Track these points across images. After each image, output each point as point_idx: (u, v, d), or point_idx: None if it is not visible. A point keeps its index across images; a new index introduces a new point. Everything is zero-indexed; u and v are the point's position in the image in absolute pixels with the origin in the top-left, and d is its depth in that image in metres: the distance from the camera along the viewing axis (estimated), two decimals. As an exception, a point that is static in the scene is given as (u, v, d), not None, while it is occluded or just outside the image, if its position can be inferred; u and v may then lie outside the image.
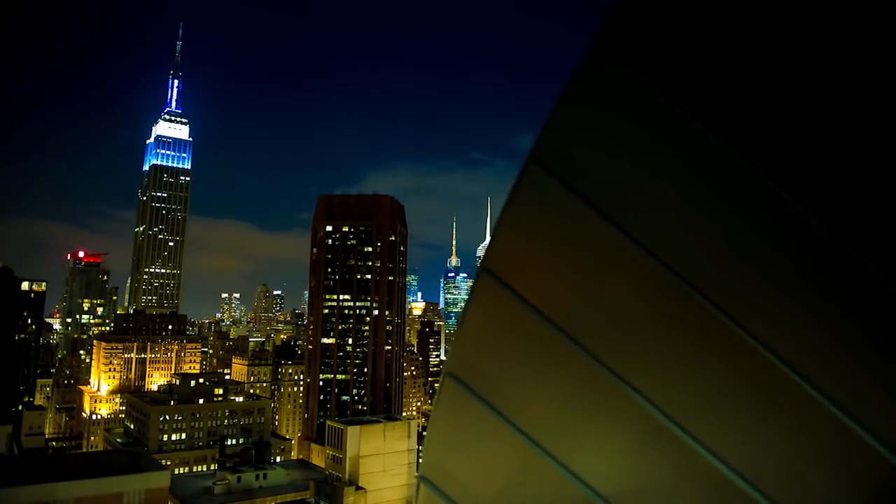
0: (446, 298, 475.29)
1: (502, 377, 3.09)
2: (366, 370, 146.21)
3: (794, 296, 2.60)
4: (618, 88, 2.54)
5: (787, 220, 2.47)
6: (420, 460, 3.56)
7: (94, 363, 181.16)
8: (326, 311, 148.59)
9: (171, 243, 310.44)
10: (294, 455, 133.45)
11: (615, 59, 2.50)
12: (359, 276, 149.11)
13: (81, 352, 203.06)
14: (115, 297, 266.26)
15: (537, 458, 3.09)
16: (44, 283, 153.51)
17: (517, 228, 2.82)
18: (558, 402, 3.08)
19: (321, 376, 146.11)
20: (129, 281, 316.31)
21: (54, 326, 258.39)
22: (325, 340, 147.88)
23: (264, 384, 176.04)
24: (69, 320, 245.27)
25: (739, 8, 2.41)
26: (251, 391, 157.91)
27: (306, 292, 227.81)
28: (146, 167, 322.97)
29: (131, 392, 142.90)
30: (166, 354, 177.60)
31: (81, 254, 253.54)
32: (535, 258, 2.87)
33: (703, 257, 2.64)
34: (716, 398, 2.82)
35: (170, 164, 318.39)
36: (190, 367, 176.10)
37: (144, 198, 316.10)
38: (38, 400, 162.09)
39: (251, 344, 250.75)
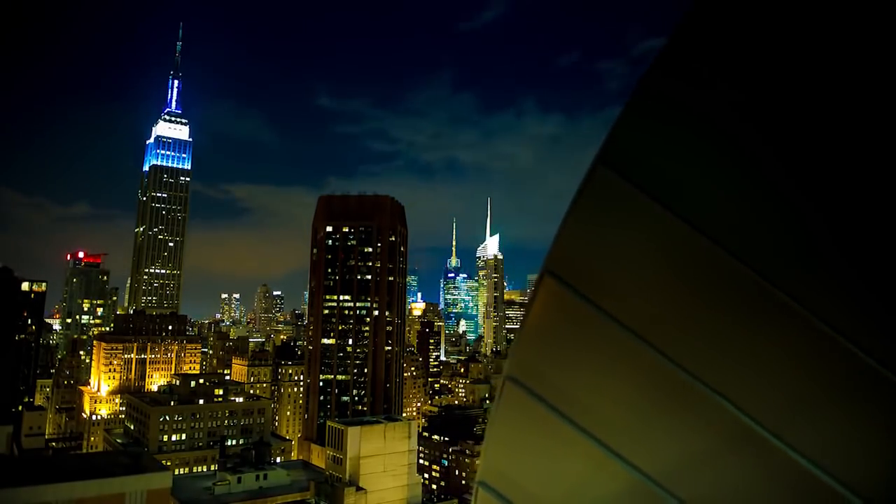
0: (446, 299, 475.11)
1: (568, 380, 3.06)
2: (366, 371, 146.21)
3: None
4: (688, 90, 2.53)
5: None
6: (479, 465, 3.51)
7: (93, 363, 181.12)
8: (326, 311, 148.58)
9: (170, 244, 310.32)
10: (294, 456, 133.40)
11: (686, 62, 2.49)
12: (359, 277, 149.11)
13: (81, 352, 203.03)
14: (114, 298, 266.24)
15: (608, 460, 3.03)
16: (44, 284, 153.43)
17: (584, 230, 2.80)
18: (629, 404, 3.02)
19: (321, 377, 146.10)
20: (128, 281, 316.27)
21: (54, 327, 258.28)
22: (326, 341, 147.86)
23: (264, 385, 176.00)
24: (69, 320, 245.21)
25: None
26: (251, 392, 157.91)
27: (306, 293, 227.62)
28: (146, 167, 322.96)
29: (131, 392, 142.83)
30: (166, 355, 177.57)
31: (81, 254, 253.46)
32: (602, 259, 2.83)
33: (785, 256, 2.59)
34: (809, 399, 2.74)
35: (170, 164, 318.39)
36: (190, 368, 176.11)
37: (144, 198, 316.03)
38: (38, 400, 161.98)
39: (251, 344, 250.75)
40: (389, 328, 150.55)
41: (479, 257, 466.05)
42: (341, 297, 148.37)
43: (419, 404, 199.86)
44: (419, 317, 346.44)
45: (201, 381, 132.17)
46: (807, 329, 2.62)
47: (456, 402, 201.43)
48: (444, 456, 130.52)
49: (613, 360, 2.94)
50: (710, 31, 2.48)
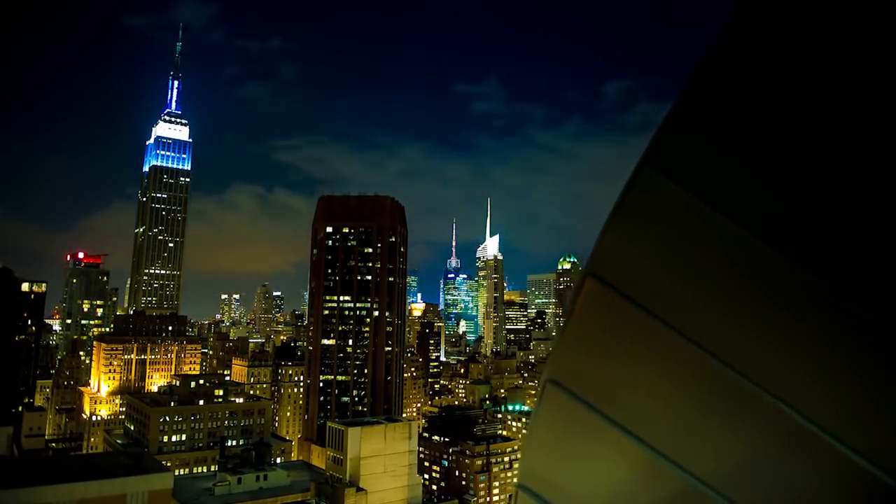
0: (446, 299, 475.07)
1: (613, 382, 3.02)
2: (366, 371, 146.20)
3: None
4: (735, 92, 2.52)
5: None
6: (519, 469, 3.52)
7: (93, 364, 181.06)
8: (326, 312, 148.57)
9: (170, 244, 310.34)
10: (294, 456, 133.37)
11: (733, 63, 2.48)
12: (359, 277, 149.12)
13: (81, 353, 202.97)
14: (114, 298, 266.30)
15: (657, 463, 2.99)
16: (44, 284, 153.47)
17: (629, 232, 2.78)
18: (678, 405, 2.96)
19: (321, 377, 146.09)
20: (128, 282, 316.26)
21: (54, 327, 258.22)
22: (326, 341, 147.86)
23: (264, 385, 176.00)
24: (69, 321, 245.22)
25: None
26: (251, 392, 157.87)
27: (306, 293, 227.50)
28: (146, 168, 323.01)
29: (131, 393, 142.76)
30: (166, 355, 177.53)
31: (81, 255, 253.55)
32: (648, 261, 2.80)
33: (838, 258, 2.54)
34: (869, 401, 2.68)
35: (169, 164, 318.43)
36: (190, 369, 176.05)
37: (144, 199, 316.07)
38: (38, 401, 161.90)
39: (251, 345, 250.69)
40: (389, 329, 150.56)
41: (479, 258, 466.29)
42: (341, 298, 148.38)
43: (419, 405, 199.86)
44: (419, 317, 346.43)
45: (201, 381, 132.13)
46: (862, 329, 2.56)
47: (456, 402, 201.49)
48: (445, 456, 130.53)
49: (661, 361, 2.90)
50: (754, 36, 2.45)
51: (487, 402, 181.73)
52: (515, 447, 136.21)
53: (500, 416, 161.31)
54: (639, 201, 2.71)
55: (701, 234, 2.69)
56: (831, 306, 2.59)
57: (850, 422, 2.72)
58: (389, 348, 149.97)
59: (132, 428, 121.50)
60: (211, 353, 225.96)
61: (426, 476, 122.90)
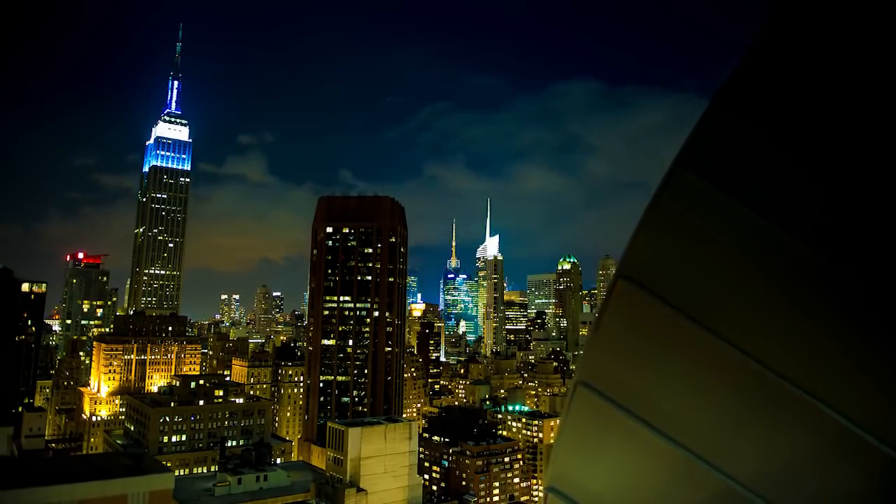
0: (446, 300, 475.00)
1: (647, 384, 2.98)
2: (366, 371, 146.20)
3: None
4: (773, 93, 2.52)
5: None
6: (547, 471, 3.52)
7: (93, 364, 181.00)
8: (327, 312, 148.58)
9: (170, 244, 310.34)
10: (294, 457, 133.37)
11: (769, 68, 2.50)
12: (359, 278, 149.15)
13: (81, 353, 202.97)
14: (114, 299, 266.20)
15: (694, 466, 2.94)
16: (44, 285, 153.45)
17: (663, 233, 2.78)
18: (716, 407, 2.93)
19: (321, 378, 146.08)
20: (128, 282, 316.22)
21: (54, 328, 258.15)
22: (326, 342, 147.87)
23: (264, 385, 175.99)
24: (69, 321, 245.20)
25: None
26: (251, 392, 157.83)
27: (306, 294, 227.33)
28: (146, 168, 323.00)
29: (131, 393, 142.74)
30: (166, 356, 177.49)
31: (81, 255, 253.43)
32: (683, 262, 2.79)
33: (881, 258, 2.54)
34: None
35: (169, 165, 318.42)
36: (190, 369, 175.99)
37: (144, 199, 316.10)
38: (38, 401, 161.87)
39: (251, 345, 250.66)
40: (389, 329, 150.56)
41: (479, 258, 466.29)
42: (341, 298, 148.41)
43: (419, 405, 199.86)
44: (419, 317, 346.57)
45: (201, 382, 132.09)
46: None
47: (456, 402, 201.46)
48: (445, 457, 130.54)
49: (697, 362, 2.87)
50: (791, 28, 2.46)
51: (487, 402, 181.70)
52: (515, 448, 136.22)
53: (500, 416, 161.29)
54: (673, 202, 2.71)
55: (736, 233, 2.69)
56: (871, 306, 2.56)
57: (891, 423, 2.67)
58: (389, 348, 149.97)
59: (132, 428, 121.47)
60: (211, 353, 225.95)
61: (426, 476, 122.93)
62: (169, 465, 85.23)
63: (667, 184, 2.70)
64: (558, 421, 3.65)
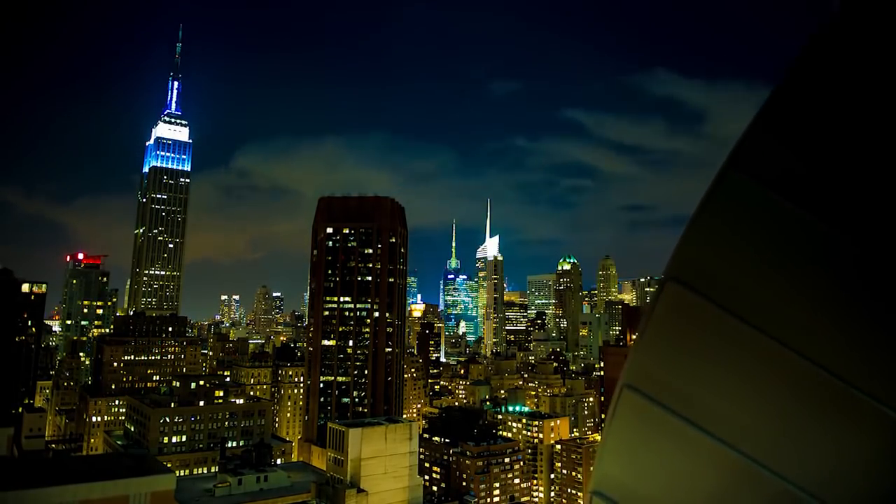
0: (446, 300, 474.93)
1: (698, 386, 2.95)
2: (366, 372, 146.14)
3: None
4: (832, 94, 2.51)
5: None
6: (593, 475, 3.50)
7: (93, 365, 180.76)
8: (327, 312, 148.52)
9: (170, 245, 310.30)
10: (294, 457, 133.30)
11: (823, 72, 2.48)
12: (359, 278, 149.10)
13: (81, 354, 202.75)
14: (114, 299, 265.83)
15: (750, 470, 2.91)
16: (44, 285, 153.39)
17: (714, 235, 2.77)
18: (771, 410, 2.90)
19: (321, 378, 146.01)
20: (128, 282, 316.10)
21: (54, 328, 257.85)
22: (326, 342, 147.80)
23: (264, 386, 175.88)
24: (69, 322, 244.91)
25: None
26: (251, 393, 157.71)
27: (306, 294, 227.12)
28: (146, 169, 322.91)
29: (131, 394, 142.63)
30: (166, 356, 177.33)
31: (81, 255, 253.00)
32: (735, 264, 2.78)
33: None
34: None
35: (169, 165, 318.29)
36: (190, 370, 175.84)
37: (144, 199, 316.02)
38: (38, 402, 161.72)
39: (251, 346, 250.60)
40: (390, 329, 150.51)
41: (479, 258, 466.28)
42: (341, 299, 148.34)
43: (419, 405, 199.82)
44: (419, 318, 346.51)
45: (201, 382, 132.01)
46: None
47: (456, 403, 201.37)
48: (445, 457, 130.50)
49: (752, 365, 2.86)
50: (857, 24, 2.43)
51: (487, 402, 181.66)
52: (516, 448, 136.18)
53: (500, 416, 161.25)
54: (724, 204, 2.70)
55: (789, 234, 2.68)
56: None
57: None
58: (390, 349, 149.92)
59: (132, 429, 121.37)
60: (211, 353, 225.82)
61: (426, 477, 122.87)
62: (169, 465, 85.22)
63: (718, 186, 2.68)
64: (602, 425, 3.61)
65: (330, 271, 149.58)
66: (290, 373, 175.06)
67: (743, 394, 2.94)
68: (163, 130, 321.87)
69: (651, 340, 3.02)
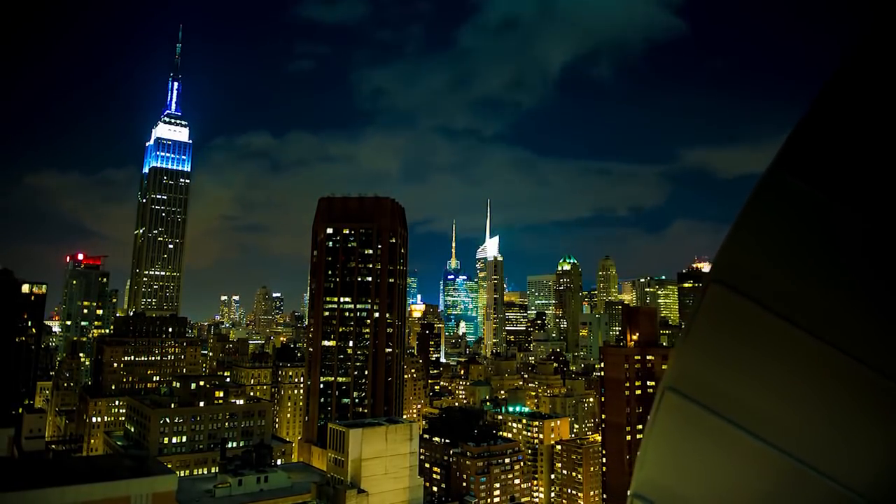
0: (446, 301, 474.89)
1: (744, 389, 2.94)
2: (366, 372, 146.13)
3: None
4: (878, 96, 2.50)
5: None
6: (633, 478, 3.50)
7: (93, 366, 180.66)
8: (327, 313, 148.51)
9: (170, 245, 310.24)
10: (295, 458, 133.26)
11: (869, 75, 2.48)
12: (359, 279, 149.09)
13: (81, 354, 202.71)
14: (114, 300, 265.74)
15: (801, 473, 2.90)
16: (44, 286, 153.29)
17: (760, 236, 2.76)
18: (821, 412, 2.87)
19: (322, 379, 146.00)
20: (128, 283, 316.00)
21: (53, 329, 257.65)
22: (326, 343, 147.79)
23: (264, 387, 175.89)
24: (69, 323, 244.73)
25: None
26: (251, 394, 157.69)
27: (306, 295, 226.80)
28: (146, 169, 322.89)
29: (131, 395, 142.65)
30: (166, 357, 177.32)
31: (81, 256, 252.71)
32: (783, 265, 2.77)
33: None
34: None
35: (169, 166, 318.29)
36: (190, 370, 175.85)
37: (144, 200, 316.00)
38: (38, 403, 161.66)
39: (251, 346, 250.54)
40: (390, 330, 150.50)
41: (479, 259, 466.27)
42: (342, 299, 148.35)
43: (419, 406, 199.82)
44: (419, 318, 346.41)
45: (201, 383, 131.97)
46: None
47: (456, 403, 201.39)
48: (445, 458, 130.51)
49: (798, 367, 2.83)
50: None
51: (488, 403, 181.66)
52: (516, 449, 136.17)
53: (500, 417, 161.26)
54: (771, 205, 2.68)
55: (838, 235, 2.66)
56: None
57: None
58: (390, 350, 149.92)
59: (132, 430, 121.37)
60: (211, 354, 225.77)
61: (427, 478, 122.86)
62: (169, 466, 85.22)
63: (764, 186, 2.66)
64: (644, 427, 3.64)
65: (330, 272, 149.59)
66: (291, 373, 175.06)
67: (789, 395, 2.91)
68: (163, 131, 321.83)
69: (694, 343, 3.00)
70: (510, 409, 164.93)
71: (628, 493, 3.51)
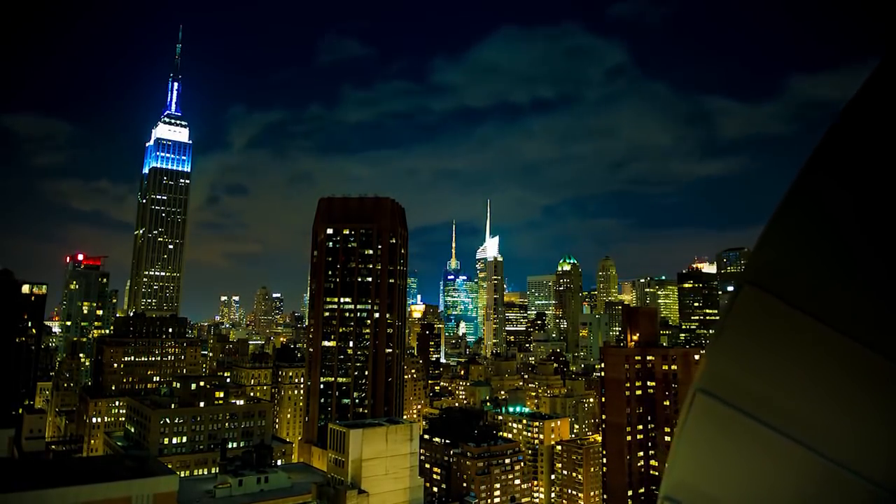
0: (446, 301, 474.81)
1: (778, 390, 2.92)
2: (366, 373, 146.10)
3: None
4: None
5: None
6: (664, 481, 3.49)
7: (93, 366, 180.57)
8: (327, 313, 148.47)
9: (170, 246, 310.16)
10: (295, 458, 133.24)
11: None
12: (359, 279, 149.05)
13: (81, 355, 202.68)
14: (114, 300, 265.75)
15: (836, 474, 2.88)
16: (44, 286, 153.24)
17: (794, 237, 2.75)
18: (861, 415, 2.85)
19: (322, 379, 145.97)
20: (128, 283, 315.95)
21: (53, 329, 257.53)
22: (326, 343, 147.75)
23: (264, 387, 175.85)
24: (69, 323, 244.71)
25: None
26: (251, 394, 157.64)
27: (306, 295, 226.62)
28: (146, 170, 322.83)
29: (131, 395, 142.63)
30: (166, 357, 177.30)
31: (81, 256, 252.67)
32: (816, 265, 2.75)
33: None
34: None
35: (169, 166, 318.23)
36: (190, 370, 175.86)
37: (144, 200, 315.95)
38: (38, 403, 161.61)
39: (251, 347, 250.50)
40: (390, 330, 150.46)
41: (479, 259, 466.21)
42: (342, 300, 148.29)
43: (420, 406, 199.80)
44: (419, 319, 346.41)
45: (202, 383, 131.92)
46: None
47: (456, 404, 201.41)
48: (445, 458, 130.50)
49: (835, 368, 2.82)
50: None
51: (488, 403, 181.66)
52: (516, 449, 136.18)
53: (500, 417, 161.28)
54: (804, 207, 2.66)
55: (873, 236, 2.63)
56: None
57: None
58: (390, 350, 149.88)
59: (132, 430, 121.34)
60: (211, 354, 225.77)
61: (427, 478, 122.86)
62: (170, 466, 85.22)
63: (797, 189, 2.64)
64: (674, 429, 3.62)
65: (330, 272, 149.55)
66: (291, 374, 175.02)
67: (826, 396, 2.88)
68: (163, 131, 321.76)
69: (727, 344, 2.98)
70: (510, 409, 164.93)
71: (659, 496, 3.49)
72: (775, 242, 2.77)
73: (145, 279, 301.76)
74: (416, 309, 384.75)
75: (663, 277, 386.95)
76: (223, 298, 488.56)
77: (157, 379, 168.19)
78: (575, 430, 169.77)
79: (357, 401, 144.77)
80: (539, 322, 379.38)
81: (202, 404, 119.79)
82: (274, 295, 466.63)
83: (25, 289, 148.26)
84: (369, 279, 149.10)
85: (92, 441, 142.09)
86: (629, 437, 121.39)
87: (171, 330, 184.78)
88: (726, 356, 3.03)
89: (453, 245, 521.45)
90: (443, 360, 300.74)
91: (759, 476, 3.19)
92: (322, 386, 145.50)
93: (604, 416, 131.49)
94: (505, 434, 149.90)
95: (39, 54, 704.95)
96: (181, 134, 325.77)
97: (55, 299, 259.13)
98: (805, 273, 2.77)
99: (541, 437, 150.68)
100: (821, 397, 2.92)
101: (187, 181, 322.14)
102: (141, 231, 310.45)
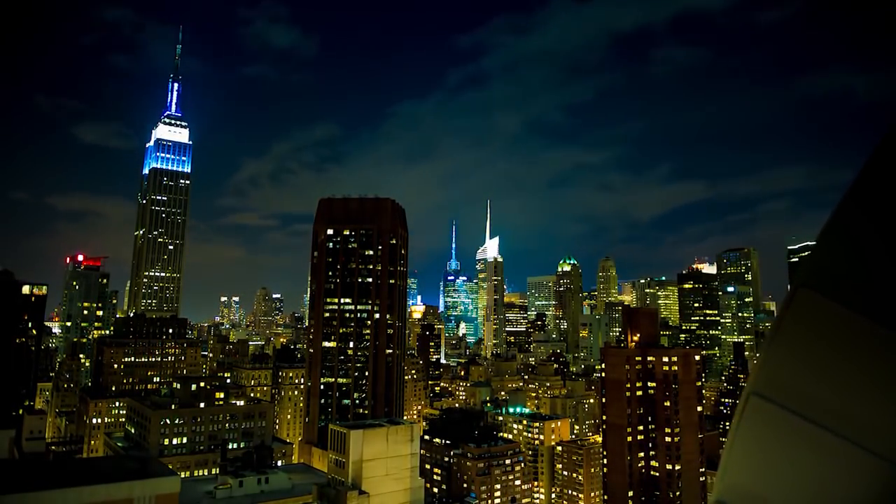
0: (446, 301, 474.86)
1: (834, 392, 2.91)
2: (367, 373, 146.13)
3: None
4: None
5: None
6: (716, 484, 3.49)
7: (93, 367, 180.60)
8: (327, 314, 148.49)
9: (170, 246, 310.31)
10: (295, 459, 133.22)
11: None
12: (360, 280, 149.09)
13: (81, 355, 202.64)
14: (114, 301, 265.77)
15: (894, 474, 2.87)
16: (44, 287, 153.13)
17: (852, 239, 2.77)
18: None
19: (322, 380, 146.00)
20: (128, 284, 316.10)
21: (54, 330, 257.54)
22: (326, 344, 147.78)
23: (265, 388, 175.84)
24: (69, 324, 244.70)
25: None
26: (251, 395, 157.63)
27: (306, 296, 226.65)
28: (146, 170, 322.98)
29: (131, 396, 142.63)
30: (166, 358, 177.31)
31: (81, 257, 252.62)
32: (875, 269, 2.75)
33: None
34: None
35: (169, 167, 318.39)
36: (190, 371, 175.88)
37: (144, 201, 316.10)
38: (38, 404, 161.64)
39: (251, 347, 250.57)
40: (390, 331, 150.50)
41: (479, 260, 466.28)
42: (342, 300, 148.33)
43: (420, 407, 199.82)
44: (419, 319, 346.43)
45: (202, 384, 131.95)
46: None
47: (457, 404, 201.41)
48: (446, 459, 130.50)
49: (891, 370, 2.80)
50: None
51: (488, 404, 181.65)
52: (516, 450, 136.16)
53: (500, 418, 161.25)
54: (858, 211, 2.69)
55: None
56: None
57: None
58: (390, 350, 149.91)
59: (133, 431, 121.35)
60: (211, 355, 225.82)
61: (427, 479, 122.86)
62: (170, 467, 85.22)
63: (853, 194, 2.68)
64: (728, 432, 3.64)
65: (330, 273, 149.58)
66: (291, 374, 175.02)
67: (879, 395, 2.87)
68: (163, 132, 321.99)
69: (782, 347, 2.98)
70: (510, 410, 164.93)
71: (711, 500, 3.47)
72: (829, 246, 2.78)
73: (145, 280, 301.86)
74: (417, 309, 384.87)
75: (663, 278, 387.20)
76: (223, 299, 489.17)
77: (158, 380, 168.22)
78: (575, 431, 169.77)
79: (357, 401, 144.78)
80: (539, 323, 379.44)
81: (202, 405, 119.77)
82: (274, 295, 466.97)
83: (25, 289, 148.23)
84: (369, 280, 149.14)
85: (92, 442, 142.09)
86: (629, 438, 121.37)
87: (171, 330, 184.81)
88: (781, 359, 3.02)
89: (453, 245, 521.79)
90: (443, 361, 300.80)
91: (817, 479, 3.17)
92: (322, 387, 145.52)
93: (604, 417, 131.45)
94: (505, 435, 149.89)
95: (40, 54, 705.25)
96: (181, 135, 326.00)
97: (55, 300, 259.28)
98: (859, 274, 2.77)
99: (541, 437, 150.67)
100: (874, 396, 2.89)
101: (187, 182, 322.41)
102: (141, 231, 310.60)
